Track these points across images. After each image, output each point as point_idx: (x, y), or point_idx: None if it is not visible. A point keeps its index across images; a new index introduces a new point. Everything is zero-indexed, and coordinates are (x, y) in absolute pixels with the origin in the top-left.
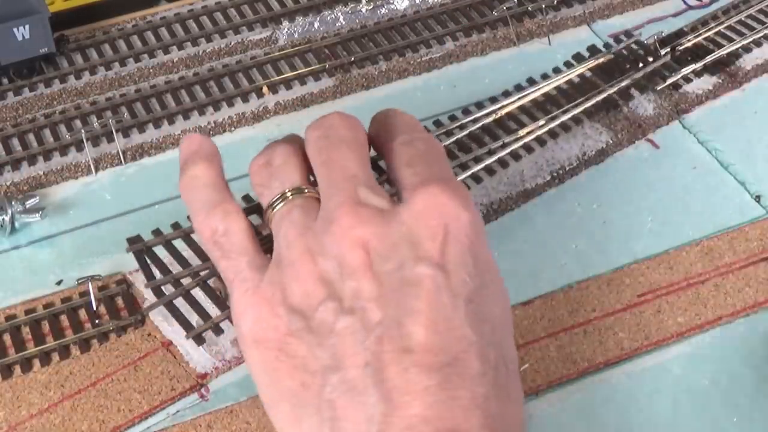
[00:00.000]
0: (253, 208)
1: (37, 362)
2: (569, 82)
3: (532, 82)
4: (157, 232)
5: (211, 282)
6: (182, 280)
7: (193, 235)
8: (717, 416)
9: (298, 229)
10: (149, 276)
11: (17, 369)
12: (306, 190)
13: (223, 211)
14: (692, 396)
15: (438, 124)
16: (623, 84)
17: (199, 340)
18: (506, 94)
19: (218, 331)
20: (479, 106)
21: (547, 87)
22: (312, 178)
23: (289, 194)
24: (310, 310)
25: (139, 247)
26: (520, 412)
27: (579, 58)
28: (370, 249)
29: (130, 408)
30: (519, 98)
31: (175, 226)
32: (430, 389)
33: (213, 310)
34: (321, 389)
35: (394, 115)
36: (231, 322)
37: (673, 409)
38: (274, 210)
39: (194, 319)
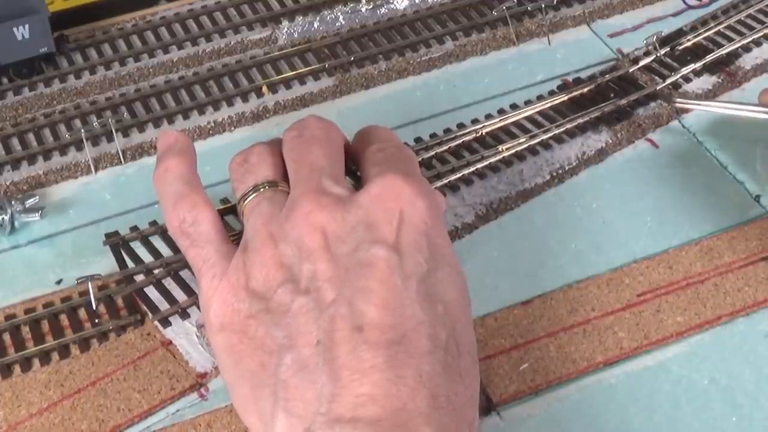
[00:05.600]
0: (232, 208)
1: (36, 362)
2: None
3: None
4: (134, 229)
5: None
6: (155, 271)
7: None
8: (717, 416)
9: (264, 218)
10: (122, 266)
11: (17, 368)
12: (279, 185)
13: (191, 201)
14: (692, 396)
15: (434, 136)
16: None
17: (165, 323)
18: (501, 111)
19: (185, 315)
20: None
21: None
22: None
23: (261, 187)
24: (270, 293)
25: (115, 241)
26: (473, 394)
27: (563, 87)
28: (328, 233)
29: (129, 407)
30: (512, 115)
31: (153, 223)
32: (377, 366)
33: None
34: (276, 369)
35: (372, 128)
36: (198, 308)
37: (672, 408)
38: (246, 202)
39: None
